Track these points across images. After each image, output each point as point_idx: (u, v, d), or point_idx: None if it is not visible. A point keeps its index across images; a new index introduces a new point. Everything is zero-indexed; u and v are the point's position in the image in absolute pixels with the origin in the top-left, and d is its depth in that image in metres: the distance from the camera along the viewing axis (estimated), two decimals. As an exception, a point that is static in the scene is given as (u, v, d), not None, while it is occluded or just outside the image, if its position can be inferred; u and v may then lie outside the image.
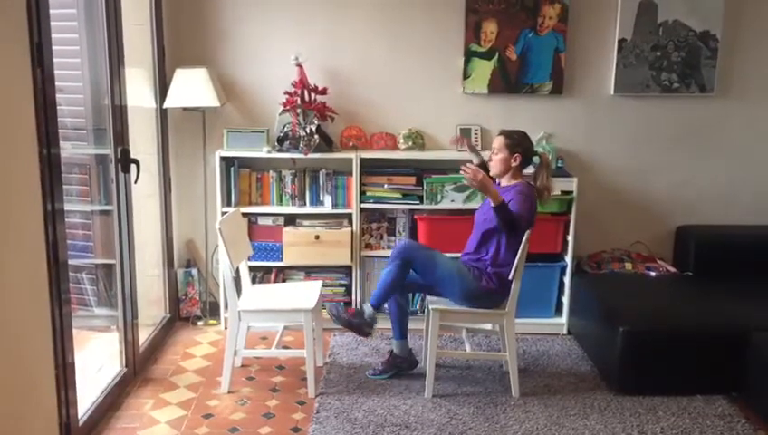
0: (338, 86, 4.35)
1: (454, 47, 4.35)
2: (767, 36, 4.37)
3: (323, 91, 4.24)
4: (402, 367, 3.74)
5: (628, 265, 4.37)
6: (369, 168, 4.30)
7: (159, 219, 4.31)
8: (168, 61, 4.27)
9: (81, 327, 3.95)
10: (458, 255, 3.69)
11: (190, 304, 4.51)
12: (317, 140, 4.21)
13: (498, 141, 3.56)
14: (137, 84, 3.94)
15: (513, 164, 3.51)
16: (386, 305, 3.67)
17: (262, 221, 4.39)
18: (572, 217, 4.22)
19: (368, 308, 3.60)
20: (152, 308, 4.30)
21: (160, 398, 3.54)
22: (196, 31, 4.33)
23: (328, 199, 4.34)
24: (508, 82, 4.37)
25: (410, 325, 3.74)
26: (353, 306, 3.72)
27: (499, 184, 3.58)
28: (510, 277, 3.45)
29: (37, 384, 2.71)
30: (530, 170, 3.63)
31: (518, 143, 3.52)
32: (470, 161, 3.63)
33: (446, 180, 4.25)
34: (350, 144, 4.42)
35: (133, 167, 3.61)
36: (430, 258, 3.54)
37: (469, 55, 4.34)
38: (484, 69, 4.35)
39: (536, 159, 3.61)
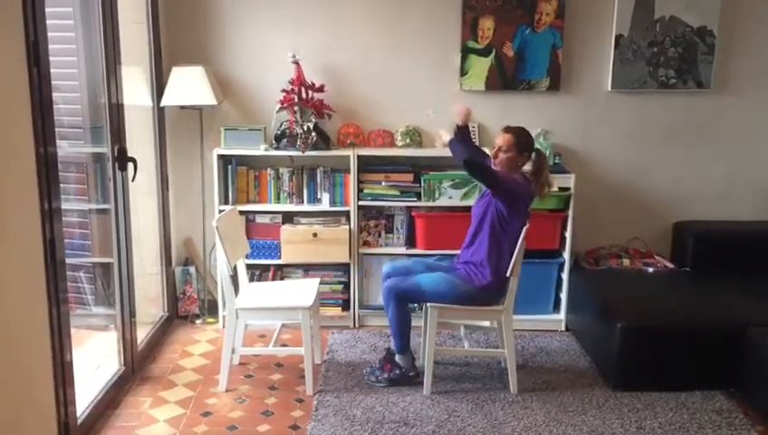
0: (335, 84, 4.35)
1: (451, 44, 4.34)
2: (764, 32, 4.37)
3: (320, 89, 4.24)
4: (402, 380, 3.63)
5: (626, 262, 4.38)
6: (366, 165, 4.29)
7: (157, 218, 4.31)
8: (164, 59, 4.26)
9: (79, 326, 3.96)
10: (457, 251, 3.68)
11: (188, 303, 4.51)
12: (314, 138, 4.20)
13: (507, 140, 3.48)
14: (133, 83, 3.93)
15: (519, 164, 3.50)
16: (387, 314, 3.60)
17: (260, 219, 4.39)
18: (570, 213, 4.22)
19: (399, 358, 3.61)
20: (150, 307, 4.29)
21: (159, 396, 3.54)
22: (192, 29, 4.33)
23: (326, 197, 4.34)
24: (505, 79, 4.36)
25: (411, 324, 3.67)
26: (384, 363, 3.68)
27: None
28: (507, 274, 3.45)
29: (35, 383, 2.71)
30: (527, 167, 3.63)
31: (528, 143, 3.51)
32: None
33: (444, 177, 4.25)
34: (348, 142, 4.41)
35: (130, 165, 3.60)
36: (415, 286, 3.52)
37: (466, 52, 4.33)
38: (481, 66, 4.35)
39: (533, 155, 3.60)
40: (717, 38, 4.30)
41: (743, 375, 3.49)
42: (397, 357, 3.63)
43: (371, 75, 4.39)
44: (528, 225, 3.44)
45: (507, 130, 3.54)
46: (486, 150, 3.79)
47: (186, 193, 4.49)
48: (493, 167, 3.51)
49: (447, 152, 4.27)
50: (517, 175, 3.51)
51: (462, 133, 3.69)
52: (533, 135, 4.32)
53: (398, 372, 3.62)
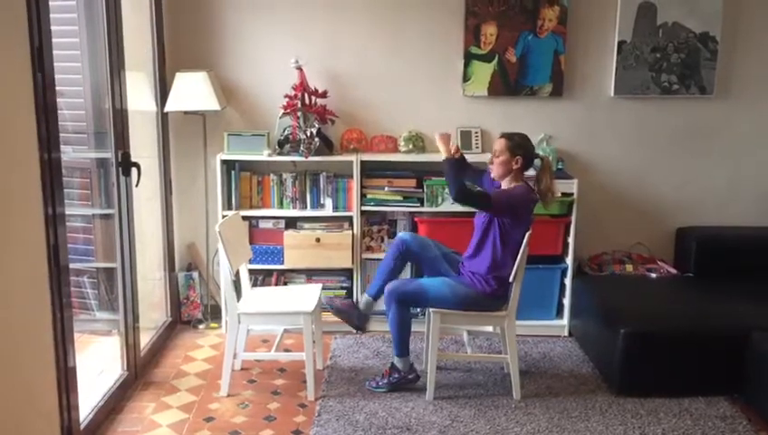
0: (338, 89, 4.36)
1: (453, 50, 4.35)
2: (766, 37, 4.37)
3: (323, 95, 4.25)
4: (402, 384, 3.63)
5: (629, 267, 4.37)
6: (369, 170, 4.30)
7: (160, 223, 4.32)
8: (168, 64, 4.28)
9: (82, 331, 3.98)
10: (463, 255, 3.68)
11: (191, 308, 4.52)
12: (317, 143, 4.21)
13: (499, 144, 3.54)
14: (137, 88, 3.95)
15: (515, 166, 3.50)
16: (388, 316, 3.58)
17: (263, 224, 4.39)
18: (573, 218, 4.21)
19: (398, 361, 3.61)
20: (153, 312, 4.30)
21: (162, 401, 3.54)
22: (196, 34, 4.34)
23: (329, 202, 4.35)
24: (508, 85, 4.37)
25: (411, 327, 3.66)
26: (385, 369, 3.72)
27: (500, 186, 3.58)
28: (510, 280, 3.45)
29: (39, 388, 2.71)
30: (531, 173, 3.63)
31: (519, 145, 3.51)
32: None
33: (447, 183, 4.25)
34: (351, 147, 4.42)
35: (134, 170, 3.61)
36: (419, 290, 3.52)
37: (469, 58, 4.34)
38: (483, 71, 4.35)
39: (537, 161, 3.60)
40: (720, 44, 4.31)
41: (746, 381, 3.48)
42: (395, 360, 3.63)
43: (374, 81, 4.40)
44: (531, 230, 3.45)
45: (501, 135, 3.60)
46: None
47: (189, 198, 4.50)
48: (489, 172, 3.57)
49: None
50: (518, 184, 3.52)
51: (451, 165, 3.55)
52: (536, 140, 4.37)
53: (396, 375, 3.62)
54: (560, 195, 4.12)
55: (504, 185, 3.55)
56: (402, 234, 3.79)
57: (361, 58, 4.38)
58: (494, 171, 3.55)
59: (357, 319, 3.69)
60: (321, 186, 4.34)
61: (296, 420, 3.38)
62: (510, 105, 4.42)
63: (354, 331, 3.76)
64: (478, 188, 3.67)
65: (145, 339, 3.94)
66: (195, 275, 4.52)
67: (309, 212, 4.37)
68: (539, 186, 3.54)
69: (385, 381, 3.62)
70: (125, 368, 3.63)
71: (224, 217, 4.11)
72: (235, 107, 4.44)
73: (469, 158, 3.78)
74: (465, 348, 4.05)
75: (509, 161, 3.50)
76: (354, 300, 3.75)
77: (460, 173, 3.56)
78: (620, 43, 4.31)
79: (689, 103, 4.43)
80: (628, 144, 4.48)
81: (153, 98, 4.21)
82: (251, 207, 4.38)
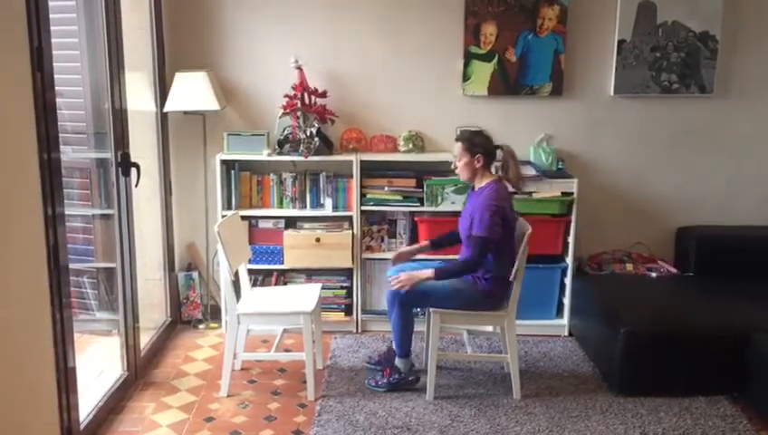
0: (338, 89, 4.36)
1: (453, 49, 4.35)
2: (766, 36, 4.37)
3: (323, 94, 4.25)
4: (402, 385, 3.63)
5: (629, 266, 4.37)
6: (369, 170, 4.30)
7: (160, 223, 4.31)
8: (167, 64, 4.27)
9: (82, 331, 3.98)
10: (458, 257, 3.68)
11: (191, 308, 4.51)
12: (317, 143, 4.21)
13: (457, 148, 3.54)
14: (137, 88, 3.94)
15: (477, 165, 3.49)
16: (390, 317, 3.59)
17: (262, 224, 4.39)
18: (573, 218, 4.21)
19: (399, 362, 3.61)
20: (153, 312, 4.30)
21: (161, 401, 3.54)
22: (195, 34, 4.34)
23: (328, 202, 4.35)
24: (508, 84, 4.37)
25: (413, 329, 3.66)
26: (384, 367, 3.70)
27: (473, 188, 3.58)
28: (510, 279, 3.45)
29: (38, 388, 2.71)
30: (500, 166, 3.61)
31: (476, 144, 3.50)
32: None
33: (446, 183, 4.25)
34: (350, 147, 4.42)
35: (134, 170, 3.61)
36: (420, 291, 3.49)
37: (469, 57, 4.34)
38: (483, 71, 4.35)
39: (499, 152, 3.56)
40: (720, 43, 4.30)
41: (747, 380, 3.48)
42: (396, 361, 3.63)
43: (374, 80, 4.40)
44: (531, 229, 3.44)
45: (456, 138, 3.59)
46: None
47: (189, 198, 4.50)
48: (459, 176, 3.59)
49: (450, 157, 4.31)
50: (488, 181, 3.49)
51: (441, 273, 3.46)
52: (536, 140, 4.38)
53: (397, 376, 3.62)
54: (559, 193, 4.13)
55: (477, 184, 3.55)
56: (389, 272, 3.75)
57: (361, 58, 4.38)
58: (461, 175, 3.56)
59: (410, 377, 3.64)
60: (321, 186, 4.34)
61: (296, 420, 3.38)
62: (510, 105, 4.42)
63: (417, 382, 3.68)
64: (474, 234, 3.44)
65: (145, 339, 3.94)
66: (195, 275, 4.51)
67: (309, 212, 4.37)
68: (507, 175, 3.53)
69: (385, 381, 3.62)
70: (125, 368, 3.63)
71: (223, 216, 4.11)
72: (235, 107, 4.44)
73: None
74: (465, 348, 4.05)
75: (471, 162, 3.50)
76: (387, 366, 3.70)
77: (450, 272, 3.47)
78: (620, 43, 4.31)
79: (689, 102, 4.43)
80: (628, 143, 4.48)
81: (153, 98, 4.21)
82: (251, 207, 4.38)
